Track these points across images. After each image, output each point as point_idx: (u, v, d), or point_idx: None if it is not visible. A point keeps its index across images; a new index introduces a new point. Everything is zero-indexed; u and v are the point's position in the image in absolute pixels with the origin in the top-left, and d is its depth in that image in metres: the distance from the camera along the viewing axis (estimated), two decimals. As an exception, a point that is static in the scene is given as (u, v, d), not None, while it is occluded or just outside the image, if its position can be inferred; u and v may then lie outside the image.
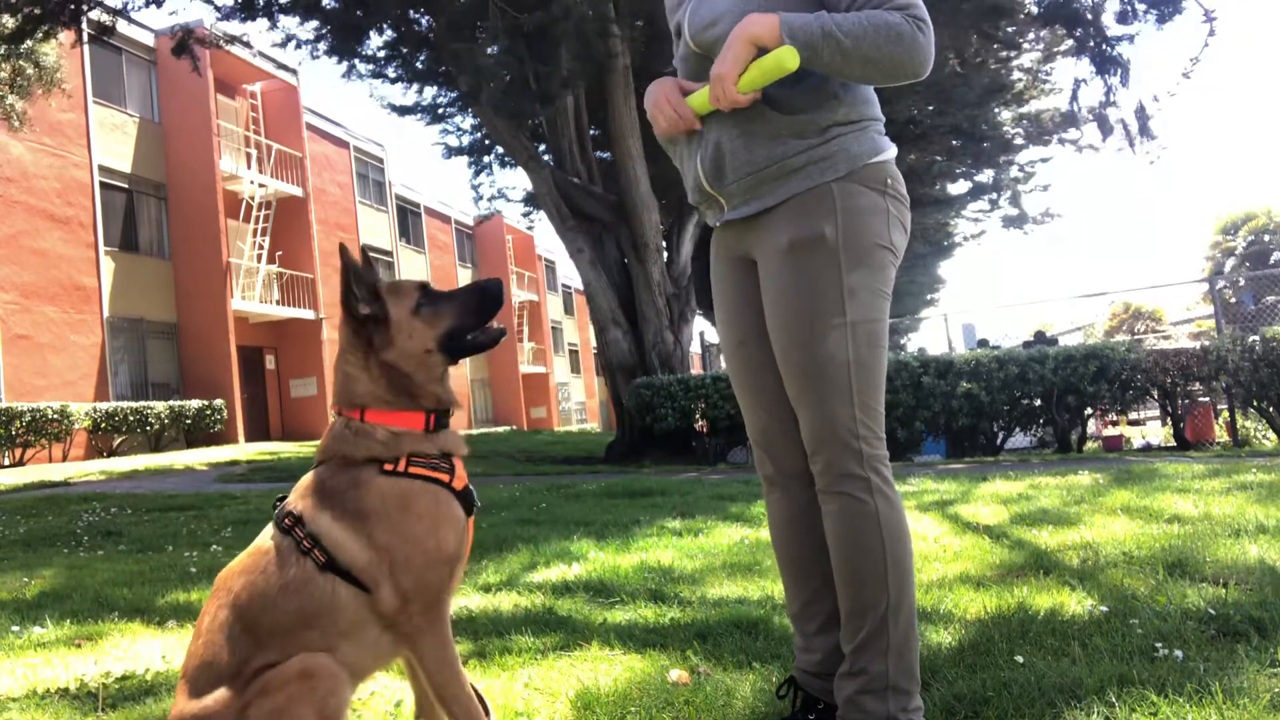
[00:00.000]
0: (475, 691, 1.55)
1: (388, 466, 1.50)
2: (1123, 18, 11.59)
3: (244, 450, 15.86)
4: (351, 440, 1.52)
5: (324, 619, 1.42)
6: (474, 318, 1.59)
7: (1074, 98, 14.01)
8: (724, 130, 1.63)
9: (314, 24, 11.78)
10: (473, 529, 1.60)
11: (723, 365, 15.38)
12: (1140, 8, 11.36)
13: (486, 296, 1.61)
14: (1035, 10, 12.59)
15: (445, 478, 1.53)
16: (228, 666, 1.38)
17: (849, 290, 1.56)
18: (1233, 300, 14.50)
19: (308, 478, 1.54)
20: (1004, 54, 15.60)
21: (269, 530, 1.51)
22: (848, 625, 1.63)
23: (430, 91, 15.43)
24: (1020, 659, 2.00)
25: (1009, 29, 14.91)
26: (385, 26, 12.19)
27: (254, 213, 21.72)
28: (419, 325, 1.56)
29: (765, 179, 1.61)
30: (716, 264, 1.80)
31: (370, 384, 1.54)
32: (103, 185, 18.61)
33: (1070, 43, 13.14)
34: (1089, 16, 11.66)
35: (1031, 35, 15.79)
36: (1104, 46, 11.79)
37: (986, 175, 24.17)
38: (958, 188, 25.16)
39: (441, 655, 1.50)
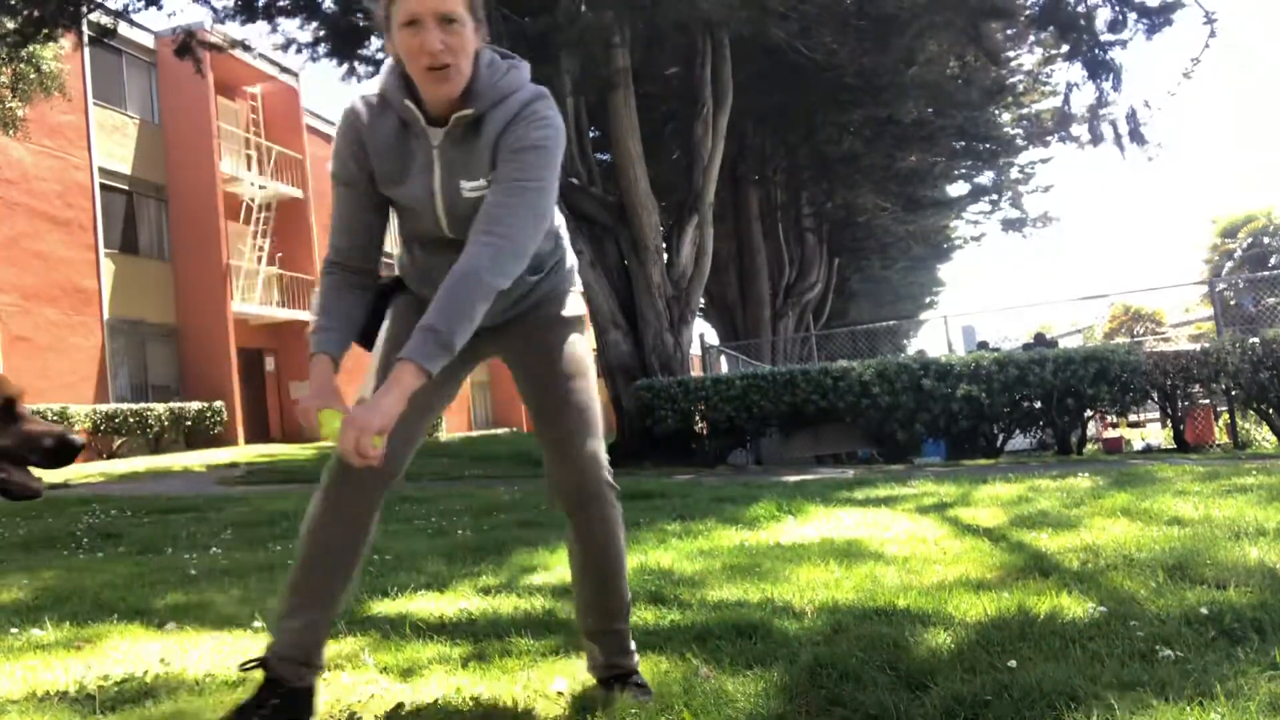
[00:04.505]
0: None
1: None
2: (1113, 26, 11.60)
3: (244, 452, 15.84)
4: None
5: None
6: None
7: (1066, 101, 14.05)
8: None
9: (314, 27, 11.77)
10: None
11: (724, 367, 15.38)
12: (1131, 17, 11.37)
13: (65, 450, 1.57)
14: (1033, 13, 12.58)
15: None
16: None
17: None
18: (1233, 302, 14.49)
19: None
20: (997, 59, 15.61)
21: None
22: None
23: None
24: (1016, 663, 2.00)
25: (1004, 33, 14.91)
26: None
27: (254, 214, 21.72)
28: None
29: None
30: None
31: None
32: (103, 187, 18.60)
33: (1065, 47, 13.14)
34: (1082, 22, 11.65)
35: (1030, 38, 15.79)
36: (1096, 51, 11.78)
37: (986, 177, 24.22)
38: (958, 189, 25.20)
39: None
